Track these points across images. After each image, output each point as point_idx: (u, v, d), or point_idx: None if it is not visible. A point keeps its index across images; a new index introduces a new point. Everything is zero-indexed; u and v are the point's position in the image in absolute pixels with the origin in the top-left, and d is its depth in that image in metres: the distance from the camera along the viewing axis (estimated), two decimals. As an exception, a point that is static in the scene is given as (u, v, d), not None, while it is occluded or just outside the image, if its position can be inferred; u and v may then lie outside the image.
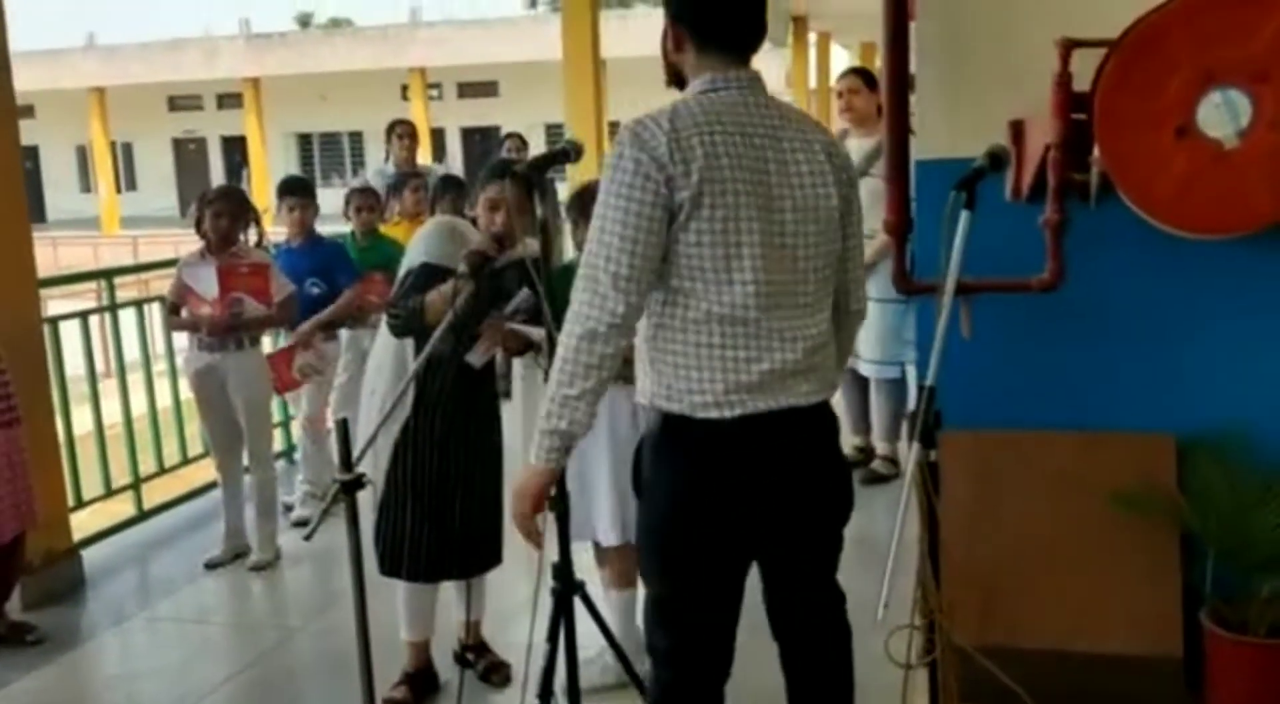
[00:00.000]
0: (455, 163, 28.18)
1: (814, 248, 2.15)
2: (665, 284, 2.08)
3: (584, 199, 3.17)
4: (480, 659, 3.50)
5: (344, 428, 2.42)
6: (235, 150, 32.01)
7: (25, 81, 4.24)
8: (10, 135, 4.22)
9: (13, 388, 3.82)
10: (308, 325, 4.94)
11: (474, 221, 3.24)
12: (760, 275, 2.07)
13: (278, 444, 5.57)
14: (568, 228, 3.41)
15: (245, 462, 4.71)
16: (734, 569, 2.24)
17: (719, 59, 2.15)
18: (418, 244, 3.23)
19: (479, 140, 31.67)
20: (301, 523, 4.96)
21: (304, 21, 44.21)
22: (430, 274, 3.11)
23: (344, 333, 5.30)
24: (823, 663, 2.33)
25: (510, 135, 8.34)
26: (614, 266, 2.01)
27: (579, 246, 3.22)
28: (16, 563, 3.97)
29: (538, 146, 14.44)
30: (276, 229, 5.36)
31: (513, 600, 3.83)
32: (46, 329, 4.51)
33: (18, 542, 3.91)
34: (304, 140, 33.51)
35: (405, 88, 28.99)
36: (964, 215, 2.36)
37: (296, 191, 5.15)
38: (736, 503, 2.15)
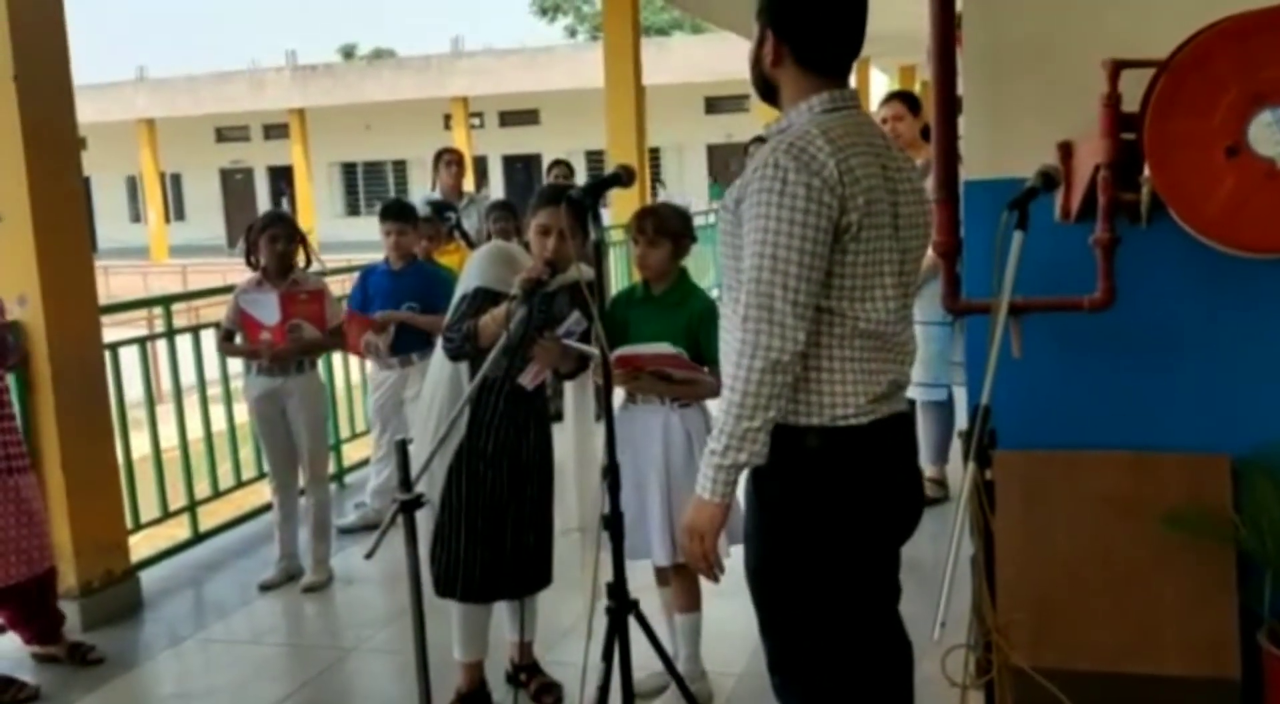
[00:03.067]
0: (497, 190, 28.48)
1: (915, 263, 2.21)
2: None
3: (642, 221, 3.22)
4: (532, 680, 3.52)
5: (403, 449, 2.46)
6: (281, 180, 32.51)
7: (78, 115, 4.38)
8: (74, 168, 4.34)
9: (21, 434, 3.87)
10: (398, 313, 5.04)
11: (526, 246, 3.30)
12: (895, 292, 2.13)
13: (331, 467, 5.64)
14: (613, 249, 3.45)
15: (300, 484, 4.78)
16: (889, 576, 2.29)
17: (822, 78, 2.14)
18: (472, 269, 3.29)
19: (520, 168, 31.95)
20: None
21: (347, 53, 44.88)
22: (484, 298, 3.16)
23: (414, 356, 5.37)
24: (903, 679, 2.33)
25: (557, 162, 8.42)
26: (793, 294, 2.00)
27: (642, 266, 3.26)
28: (51, 600, 4.00)
29: (581, 173, 14.56)
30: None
31: (562, 621, 3.87)
32: (106, 355, 4.61)
33: (47, 581, 3.93)
34: (348, 169, 33.96)
35: (448, 117, 29.37)
36: (1017, 235, 2.37)
37: (396, 217, 5.20)
38: (881, 505, 2.19)
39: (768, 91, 2.23)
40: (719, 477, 2.05)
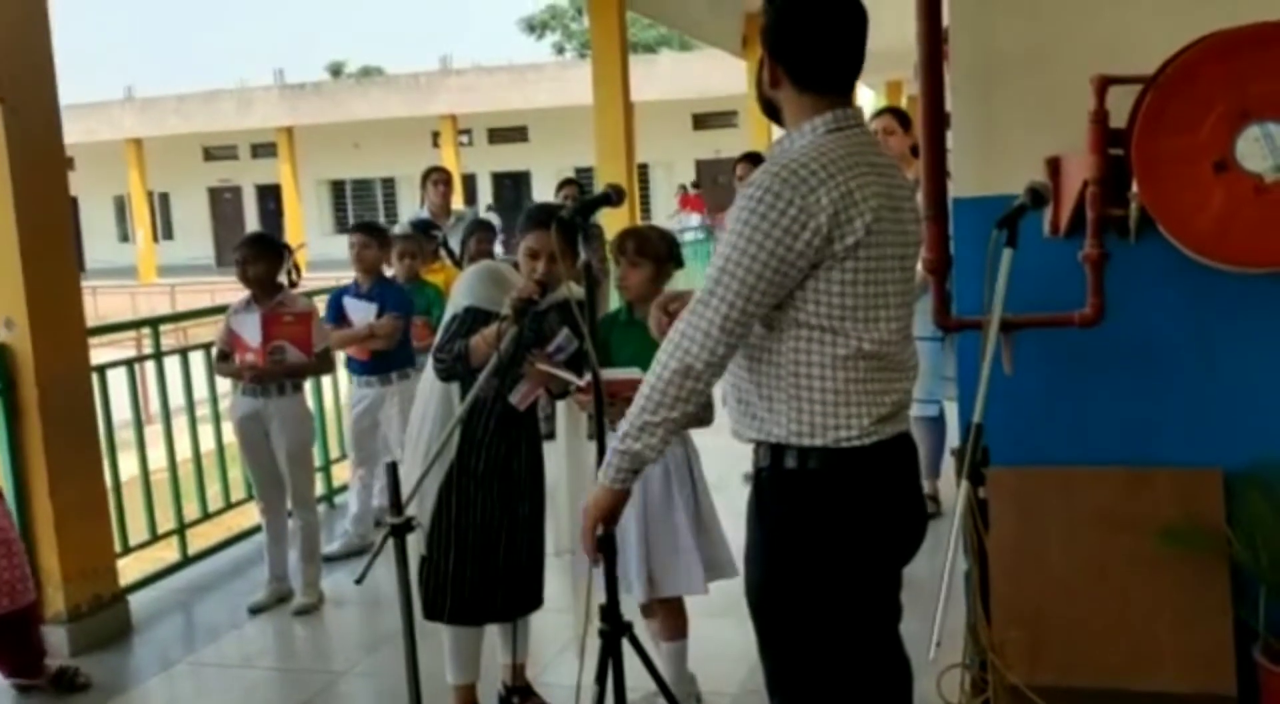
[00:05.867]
0: (485, 209, 28.47)
1: (912, 282, 2.21)
2: (808, 324, 2.07)
3: (624, 242, 3.21)
4: (525, 702, 3.49)
5: (394, 471, 2.45)
6: (270, 199, 32.45)
7: (66, 135, 4.35)
8: (61, 190, 4.32)
9: None
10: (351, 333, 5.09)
11: (516, 265, 3.29)
12: (900, 311, 2.13)
13: (319, 489, 5.60)
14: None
15: (289, 506, 4.74)
16: (890, 597, 2.27)
17: (822, 97, 2.13)
18: (462, 288, 3.28)
19: (509, 185, 31.97)
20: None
21: (335, 71, 44.91)
22: (475, 318, 3.15)
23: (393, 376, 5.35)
24: (903, 699, 2.32)
25: (568, 182, 8.35)
26: (725, 308, 2.01)
27: (622, 287, 3.25)
28: (33, 634, 3.91)
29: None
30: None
31: (554, 642, 3.84)
32: (94, 377, 4.57)
33: (30, 613, 3.84)
34: (337, 187, 33.93)
35: (436, 134, 29.36)
36: (1006, 252, 2.37)
37: (360, 230, 5.27)
38: (885, 526, 2.18)
39: (773, 112, 2.21)
40: (614, 461, 2.11)
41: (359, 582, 2.48)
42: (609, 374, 3.01)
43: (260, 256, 4.53)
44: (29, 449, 4.16)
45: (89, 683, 3.94)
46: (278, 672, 4.19)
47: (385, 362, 5.16)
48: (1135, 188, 2.73)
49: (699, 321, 2.04)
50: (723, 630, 3.70)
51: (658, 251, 3.22)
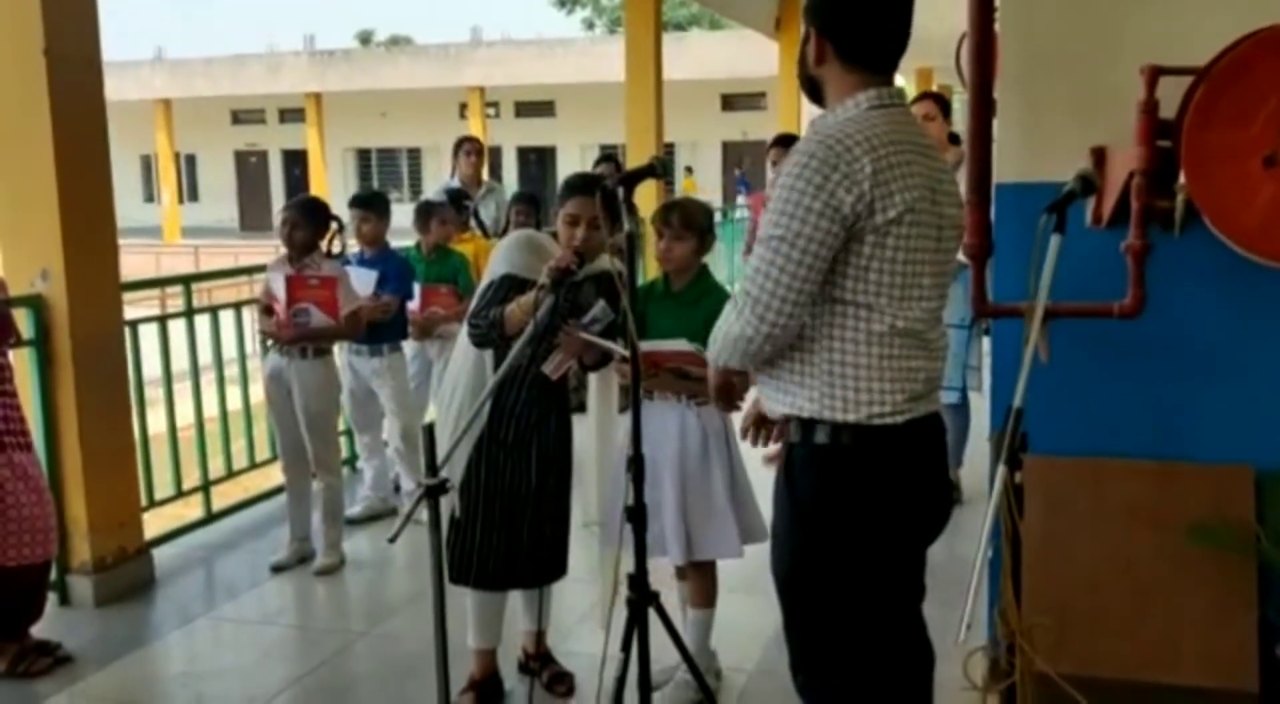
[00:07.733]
0: (511, 181, 28.48)
1: (950, 263, 2.21)
2: (843, 300, 2.09)
3: (668, 214, 3.22)
4: (545, 669, 3.52)
5: (430, 434, 2.46)
6: (296, 165, 32.48)
7: (97, 92, 4.33)
8: (101, 144, 4.34)
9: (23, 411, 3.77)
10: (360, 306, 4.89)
11: (555, 235, 3.29)
12: (933, 292, 2.14)
13: (343, 452, 5.62)
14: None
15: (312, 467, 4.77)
16: (915, 576, 2.29)
17: (866, 75, 2.13)
18: (500, 256, 3.28)
19: (535, 160, 31.93)
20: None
21: (365, 39, 44.85)
22: (511, 285, 3.16)
23: (410, 345, 5.38)
24: (923, 680, 2.33)
25: (605, 158, 8.32)
26: (792, 266, 2.04)
27: (665, 259, 3.26)
28: (38, 590, 3.84)
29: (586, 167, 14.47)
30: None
31: (575, 611, 3.87)
32: (126, 332, 4.60)
33: (42, 570, 3.81)
34: (363, 156, 33.95)
35: (464, 106, 29.33)
36: (1054, 238, 2.36)
37: (356, 205, 5.28)
38: (914, 504, 2.20)
39: (814, 91, 2.22)
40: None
41: (392, 541, 2.49)
42: (653, 345, 3.03)
43: (308, 222, 4.55)
44: (61, 399, 4.20)
45: (69, 657, 3.81)
46: (296, 630, 4.22)
47: (377, 334, 5.11)
48: (1182, 180, 2.71)
49: (762, 290, 2.05)
50: (740, 607, 3.73)
51: (701, 224, 3.24)
